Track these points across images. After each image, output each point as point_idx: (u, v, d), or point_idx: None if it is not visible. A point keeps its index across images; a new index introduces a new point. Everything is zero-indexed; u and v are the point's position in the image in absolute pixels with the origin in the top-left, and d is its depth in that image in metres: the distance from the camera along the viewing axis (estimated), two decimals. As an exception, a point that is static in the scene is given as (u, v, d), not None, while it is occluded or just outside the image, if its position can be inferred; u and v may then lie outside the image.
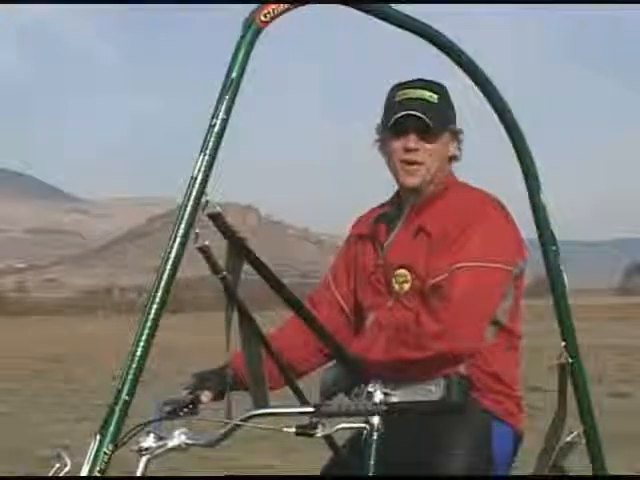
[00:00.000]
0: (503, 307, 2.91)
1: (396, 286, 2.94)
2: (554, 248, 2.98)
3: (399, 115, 2.90)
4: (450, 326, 2.74)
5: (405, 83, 2.98)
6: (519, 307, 3.00)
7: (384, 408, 2.48)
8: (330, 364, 2.93)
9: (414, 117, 2.89)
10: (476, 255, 2.80)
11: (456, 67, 2.78)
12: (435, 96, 2.94)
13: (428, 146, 2.92)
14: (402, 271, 2.93)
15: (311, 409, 2.43)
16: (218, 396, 2.93)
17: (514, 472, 3.10)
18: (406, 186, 2.97)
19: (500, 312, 2.90)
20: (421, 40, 2.71)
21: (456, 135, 3.00)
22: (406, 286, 2.92)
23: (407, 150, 2.93)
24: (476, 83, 2.85)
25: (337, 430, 2.39)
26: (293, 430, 2.37)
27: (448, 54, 2.77)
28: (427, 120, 2.88)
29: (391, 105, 2.96)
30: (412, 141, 2.92)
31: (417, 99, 2.92)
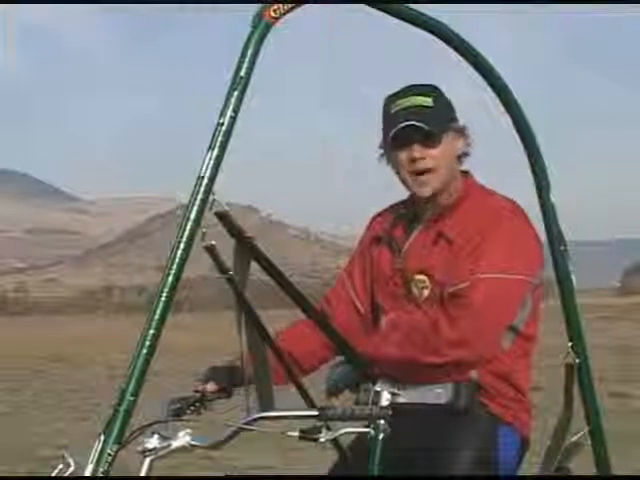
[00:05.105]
0: (521, 315, 2.88)
1: (415, 291, 2.92)
2: (562, 248, 2.97)
3: (397, 128, 2.85)
4: (468, 335, 2.72)
5: (397, 93, 2.94)
6: (536, 312, 2.96)
7: (389, 412, 2.46)
8: (336, 361, 2.90)
9: (413, 126, 2.84)
10: (499, 265, 2.77)
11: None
12: (429, 99, 2.89)
13: (433, 152, 2.88)
14: (421, 277, 2.90)
15: (316, 412, 2.41)
16: (224, 391, 2.93)
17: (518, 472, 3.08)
18: (421, 197, 2.93)
19: (518, 320, 2.88)
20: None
21: (461, 132, 2.95)
22: (425, 292, 2.90)
23: (413, 160, 2.88)
24: (489, 84, 2.85)
25: (341, 434, 2.38)
26: (297, 434, 2.35)
27: (465, 57, 2.79)
28: (425, 127, 2.84)
29: (388, 118, 2.92)
30: (416, 151, 2.88)
31: (412, 107, 2.87)
